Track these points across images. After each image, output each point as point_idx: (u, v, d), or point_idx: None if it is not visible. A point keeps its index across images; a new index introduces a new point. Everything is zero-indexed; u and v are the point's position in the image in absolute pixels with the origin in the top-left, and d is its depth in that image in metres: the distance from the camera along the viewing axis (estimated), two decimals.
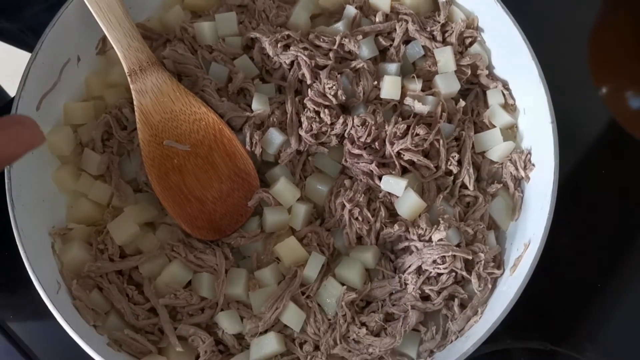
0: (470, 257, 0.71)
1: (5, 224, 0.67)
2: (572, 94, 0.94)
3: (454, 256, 0.71)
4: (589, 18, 1.04)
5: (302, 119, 0.77)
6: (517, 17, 0.77)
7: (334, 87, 0.76)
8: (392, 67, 0.80)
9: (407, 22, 0.81)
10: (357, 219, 0.74)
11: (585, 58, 1.01)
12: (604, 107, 1.00)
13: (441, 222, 0.72)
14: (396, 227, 0.73)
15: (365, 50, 0.80)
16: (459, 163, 0.77)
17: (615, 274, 0.87)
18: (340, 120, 0.76)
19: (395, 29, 0.82)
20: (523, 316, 0.68)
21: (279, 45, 0.78)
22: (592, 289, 0.86)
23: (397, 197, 0.75)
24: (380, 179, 0.75)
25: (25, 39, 1.08)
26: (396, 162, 0.76)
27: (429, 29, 0.82)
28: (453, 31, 0.81)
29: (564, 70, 0.93)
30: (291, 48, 0.78)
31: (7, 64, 1.10)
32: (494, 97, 0.80)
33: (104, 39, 0.80)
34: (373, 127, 0.75)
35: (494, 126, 0.79)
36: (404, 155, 0.76)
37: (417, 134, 0.76)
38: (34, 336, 0.81)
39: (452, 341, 0.71)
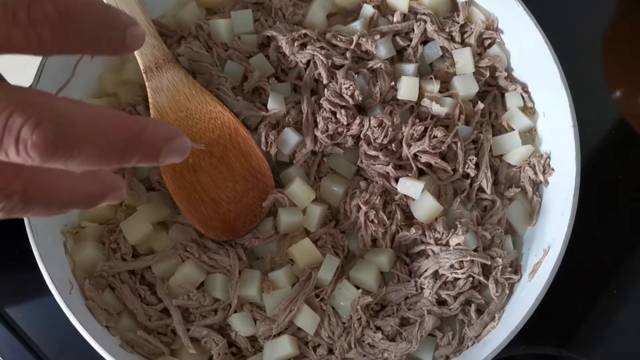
0: (488, 263, 0.70)
1: (16, 222, 0.66)
2: (586, 96, 0.93)
3: (472, 261, 0.70)
4: (604, 20, 1.03)
5: (317, 119, 0.76)
6: (537, 19, 0.76)
7: (351, 88, 0.75)
8: (410, 67, 0.79)
9: (425, 22, 0.80)
10: (372, 221, 0.74)
11: (599, 60, 1.00)
12: (617, 110, 0.99)
13: (458, 225, 0.71)
14: (412, 230, 0.72)
15: (382, 50, 0.79)
16: (477, 166, 0.76)
17: (632, 279, 0.86)
18: (357, 121, 0.75)
19: (413, 29, 0.81)
20: (537, 321, 0.67)
21: (295, 44, 0.77)
22: (608, 294, 0.85)
23: (414, 199, 0.74)
24: (396, 181, 0.74)
25: None
26: (413, 165, 0.75)
27: (447, 30, 0.81)
28: (472, 32, 0.80)
29: (578, 73, 0.92)
30: (308, 47, 0.77)
31: (20, 60, 1.09)
32: (513, 100, 0.79)
33: None
34: (390, 129, 0.74)
35: (513, 129, 0.78)
36: (420, 157, 0.75)
37: (435, 136, 0.75)
38: (45, 336, 0.80)
39: (468, 347, 0.70)
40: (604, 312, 0.84)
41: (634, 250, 0.88)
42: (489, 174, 0.76)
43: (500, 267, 0.71)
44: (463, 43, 0.81)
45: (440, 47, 0.81)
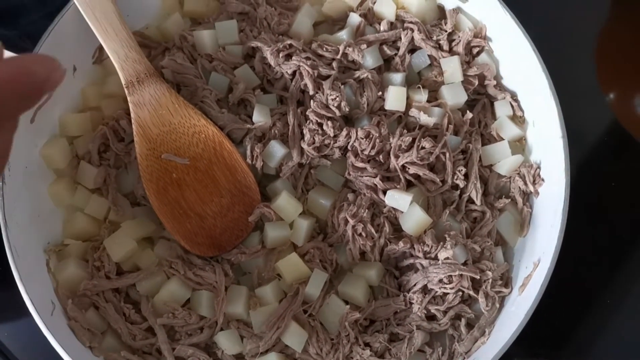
0: (477, 277, 0.69)
1: None
2: (579, 100, 0.92)
3: (461, 275, 0.69)
4: (597, 24, 1.02)
5: (304, 131, 0.75)
6: (525, 25, 0.74)
7: (337, 99, 0.74)
8: (397, 77, 0.78)
9: (412, 30, 0.79)
10: (360, 234, 0.72)
11: (593, 64, 0.99)
12: (611, 114, 0.98)
13: (447, 239, 0.70)
14: (401, 244, 0.71)
15: (369, 59, 0.78)
16: (466, 177, 0.75)
17: (628, 289, 0.85)
18: (344, 132, 0.74)
19: (400, 38, 0.79)
20: (530, 331, 0.66)
21: (280, 54, 0.76)
22: (602, 303, 0.84)
23: (402, 212, 0.73)
24: (384, 193, 0.73)
25: (24, 46, 1.06)
26: (401, 176, 0.74)
27: (435, 38, 0.79)
28: (460, 40, 0.79)
29: (571, 76, 0.92)
30: (293, 58, 0.76)
31: None
32: (502, 109, 0.78)
33: (101, 47, 0.77)
34: (377, 140, 0.73)
35: (502, 139, 0.77)
36: (409, 168, 0.74)
37: (423, 147, 0.73)
38: (30, 354, 0.79)
39: None
40: (598, 321, 0.83)
41: (628, 258, 0.87)
42: (478, 184, 0.75)
43: (490, 281, 0.70)
44: (451, 51, 0.80)
45: (428, 55, 0.79)
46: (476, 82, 0.78)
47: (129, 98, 0.72)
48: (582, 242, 0.84)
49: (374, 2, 0.82)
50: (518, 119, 0.78)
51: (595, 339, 0.84)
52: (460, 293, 0.70)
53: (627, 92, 1.01)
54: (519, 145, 0.78)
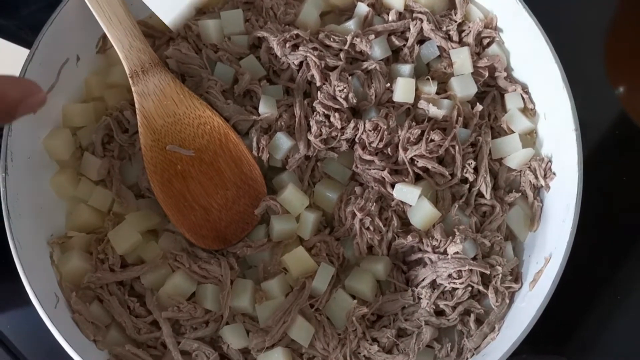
0: (487, 272, 0.68)
1: (0, 230, 0.64)
2: (588, 93, 0.91)
3: (471, 270, 0.68)
4: (606, 17, 1.01)
5: (311, 123, 0.73)
6: (537, 16, 0.73)
7: (345, 90, 0.73)
8: (406, 68, 0.77)
9: (421, 20, 0.78)
10: (368, 228, 0.71)
11: (602, 57, 0.98)
12: (620, 107, 0.96)
13: (457, 233, 0.69)
14: (409, 237, 0.70)
15: (377, 50, 0.77)
16: (476, 170, 0.74)
17: (636, 284, 0.84)
18: (351, 124, 0.73)
19: (409, 28, 0.78)
20: (539, 328, 0.66)
21: (287, 45, 0.75)
22: (611, 300, 0.83)
23: (410, 205, 0.71)
24: (392, 186, 0.72)
25: (24, 36, 1.05)
26: (409, 169, 0.73)
27: (444, 29, 0.78)
28: (470, 31, 0.77)
29: (580, 70, 0.90)
30: (300, 48, 0.74)
31: (6, 60, 1.07)
32: (513, 101, 0.77)
33: (105, 36, 0.76)
34: (385, 132, 0.72)
35: (513, 131, 0.76)
36: (417, 161, 0.73)
37: (432, 140, 0.72)
38: (33, 347, 0.79)
39: (467, 359, 0.68)
40: (607, 318, 0.82)
41: (636, 253, 0.85)
42: (488, 178, 0.74)
43: (500, 276, 0.69)
44: (461, 42, 0.78)
45: (437, 46, 0.78)
46: (486, 74, 0.77)
47: (133, 88, 0.71)
48: (591, 237, 0.83)
49: None
50: (529, 112, 0.77)
51: (602, 334, 0.83)
52: (470, 288, 0.69)
53: (636, 85, 0.99)
54: (530, 138, 0.77)
